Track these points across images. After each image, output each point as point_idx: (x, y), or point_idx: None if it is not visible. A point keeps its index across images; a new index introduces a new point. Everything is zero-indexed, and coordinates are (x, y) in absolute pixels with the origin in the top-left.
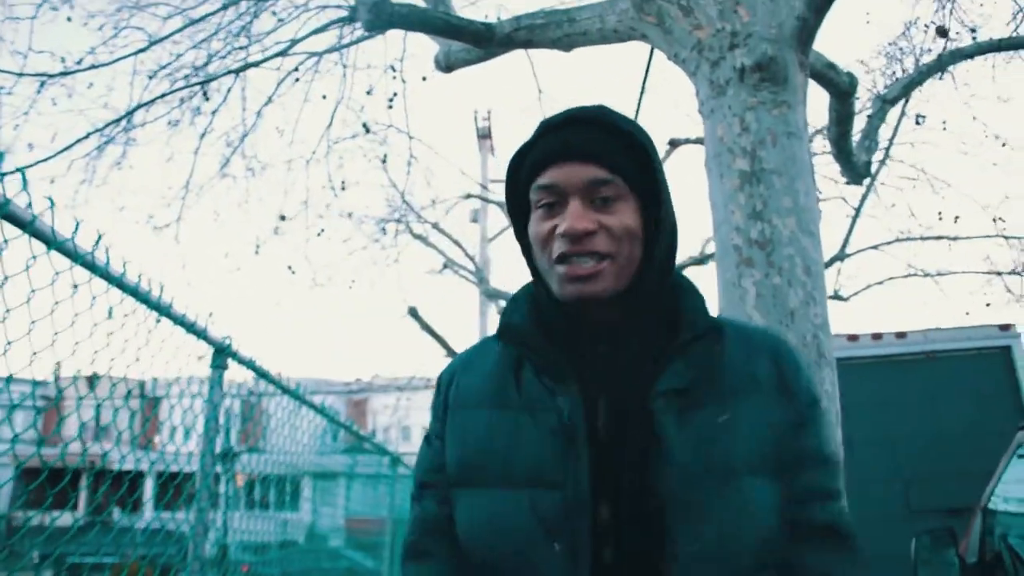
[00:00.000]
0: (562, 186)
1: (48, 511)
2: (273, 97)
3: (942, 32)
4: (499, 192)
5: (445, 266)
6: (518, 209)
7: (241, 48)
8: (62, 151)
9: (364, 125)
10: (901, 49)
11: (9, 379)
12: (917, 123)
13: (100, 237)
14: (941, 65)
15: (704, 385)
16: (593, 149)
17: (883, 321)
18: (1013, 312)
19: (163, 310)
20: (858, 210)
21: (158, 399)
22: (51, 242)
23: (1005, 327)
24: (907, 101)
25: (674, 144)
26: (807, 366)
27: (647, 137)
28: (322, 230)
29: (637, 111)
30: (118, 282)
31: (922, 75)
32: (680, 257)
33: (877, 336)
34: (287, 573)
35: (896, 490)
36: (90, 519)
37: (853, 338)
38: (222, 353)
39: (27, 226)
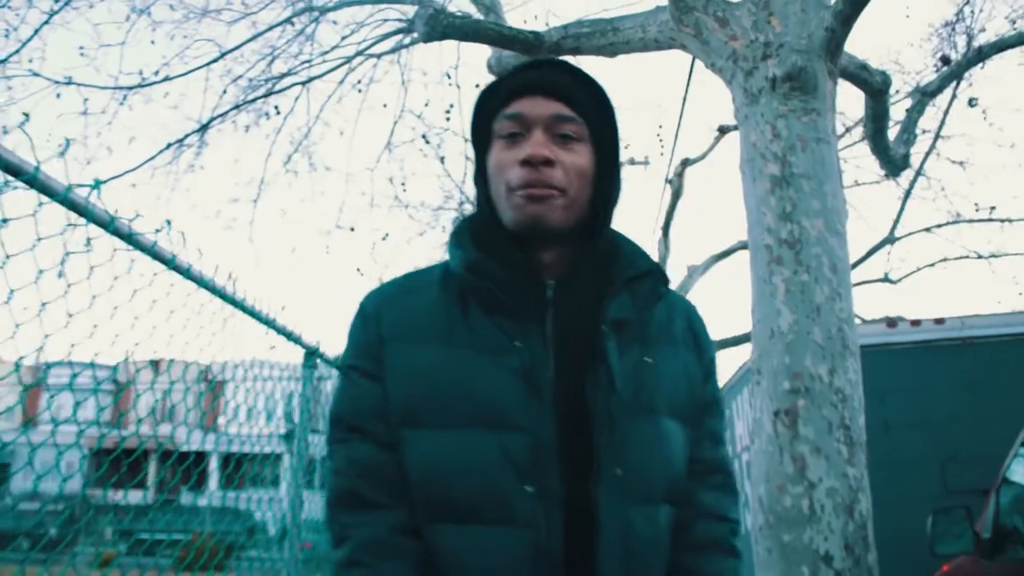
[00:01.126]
0: (528, 116)
1: (120, 489)
2: (336, 104)
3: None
4: None
5: None
6: (481, 142)
7: (306, 61)
8: (147, 161)
9: (424, 136)
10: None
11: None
12: (971, 105)
13: (218, 267)
14: (981, 56)
15: (638, 324)
16: (561, 87)
17: (936, 303)
18: None
19: (269, 323)
20: (907, 193)
21: (223, 382)
22: (168, 262)
23: None
24: (958, 84)
25: (723, 130)
26: (707, 327)
27: (608, 94)
28: (387, 235)
29: (680, 119)
30: (231, 300)
31: (960, 67)
32: (711, 251)
33: (916, 322)
34: None
35: (933, 471)
36: (158, 498)
37: (892, 324)
38: (313, 355)
39: (148, 249)
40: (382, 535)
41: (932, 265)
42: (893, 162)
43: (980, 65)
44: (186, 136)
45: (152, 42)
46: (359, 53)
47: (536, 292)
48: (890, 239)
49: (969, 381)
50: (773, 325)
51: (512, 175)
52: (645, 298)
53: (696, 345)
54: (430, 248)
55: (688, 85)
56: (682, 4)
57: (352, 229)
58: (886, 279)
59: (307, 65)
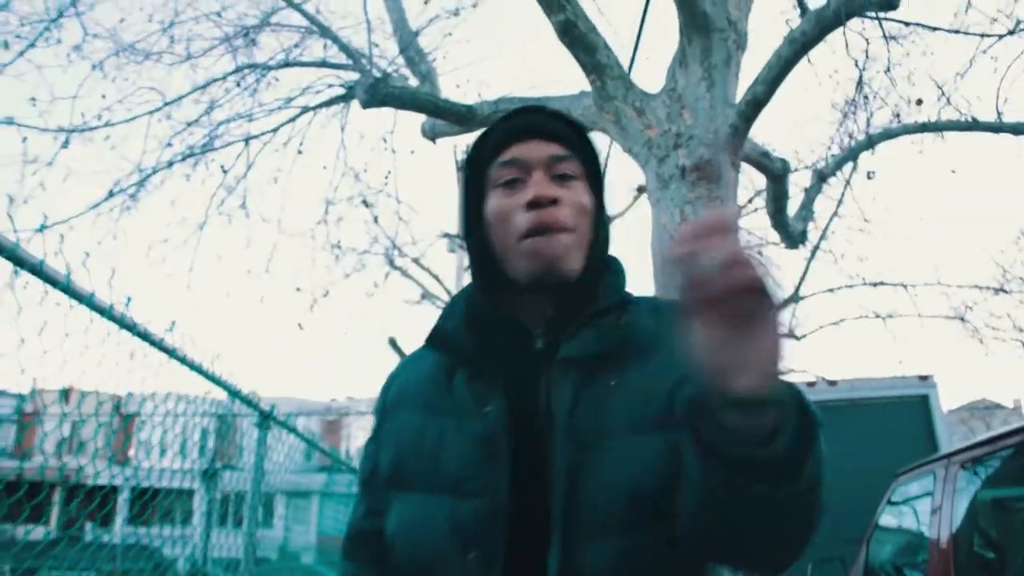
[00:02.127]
0: (526, 159)
1: (20, 524)
2: (272, 153)
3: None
4: None
5: (423, 297)
6: (473, 200)
7: (246, 115)
8: (92, 208)
9: (364, 202)
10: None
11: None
12: (868, 178)
13: (173, 324)
14: (871, 143)
15: (607, 355)
16: (553, 129)
17: (839, 360)
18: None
19: (218, 381)
20: (811, 257)
21: (132, 416)
22: (105, 312)
23: (924, 377)
24: (855, 164)
25: (641, 190)
26: None
27: (594, 138)
28: (327, 292)
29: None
30: (179, 357)
31: (853, 152)
32: None
33: (811, 384)
34: None
35: (826, 521)
36: (61, 534)
37: None
38: (267, 418)
39: (84, 300)
40: None
41: (835, 324)
42: (792, 237)
43: (871, 151)
44: (129, 186)
45: (103, 95)
46: (303, 111)
47: (525, 347)
48: (795, 298)
49: (858, 439)
50: None
51: (519, 220)
52: (607, 332)
53: (671, 349)
54: (357, 291)
55: (610, 148)
56: (604, 92)
57: (298, 289)
58: (791, 335)
59: (247, 119)
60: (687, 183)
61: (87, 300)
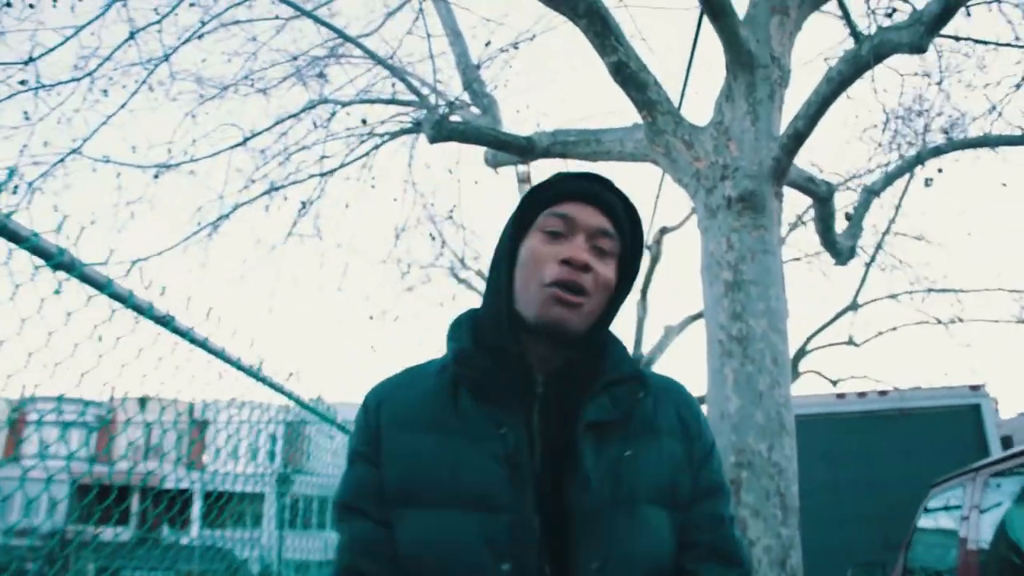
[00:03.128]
0: (576, 220)
1: (104, 526)
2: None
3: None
4: None
5: None
6: (516, 231)
7: (325, 156)
8: (183, 241)
9: (431, 235)
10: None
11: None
12: (926, 185)
13: (262, 362)
14: (920, 159)
15: (619, 423)
16: (610, 204)
17: (899, 366)
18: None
19: (325, 417)
20: (868, 265)
21: (205, 422)
22: (219, 353)
23: (975, 387)
24: (911, 177)
25: (664, 231)
26: (703, 414)
27: (641, 219)
28: (397, 317)
29: (659, 189)
30: (304, 405)
31: (902, 168)
32: (687, 312)
33: (862, 394)
34: None
35: (876, 528)
36: (142, 535)
37: (841, 396)
38: (343, 429)
39: (185, 335)
40: None
41: (894, 329)
42: (841, 254)
43: (921, 165)
44: (217, 219)
45: (194, 141)
46: (375, 148)
47: (526, 384)
48: (853, 306)
49: (908, 448)
50: (723, 408)
51: (549, 270)
52: (625, 401)
53: (685, 433)
54: (421, 302)
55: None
56: (655, 127)
57: (372, 318)
58: (850, 342)
59: (322, 158)
60: (733, 213)
61: (171, 325)
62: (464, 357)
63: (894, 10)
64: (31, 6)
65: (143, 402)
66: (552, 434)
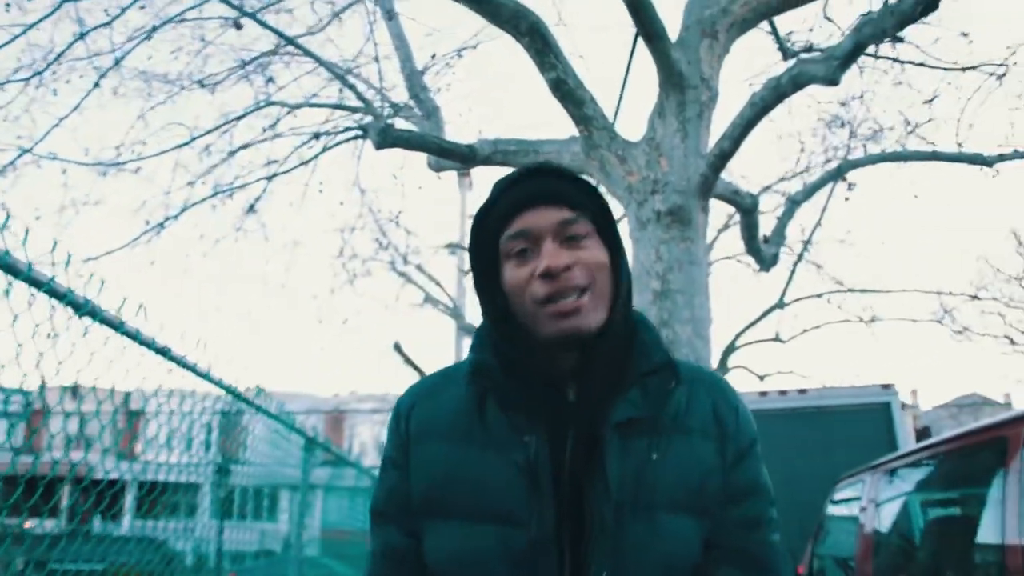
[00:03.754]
0: (533, 229)
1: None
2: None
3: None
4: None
5: (426, 300)
6: (484, 265)
7: (273, 161)
8: (132, 241)
9: (377, 240)
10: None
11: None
12: (849, 189)
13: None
14: (840, 171)
15: (649, 419)
16: (557, 192)
17: (825, 365)
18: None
19: (277, 418)
20: (794, 267)
21: (140, 412)
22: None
23: (886, 386)
24: (835, 185)
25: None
26: (745, 408)
27: (601, 192)
28: (346, 319)
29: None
30: (239, 396)
31: (823, 180)
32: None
33: (783, 392)
34: None
35: (795, 519)
36: (72, 527)
37: (763, 394)
38: (312, 444)
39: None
40: None
41: (818, 327)
42: (765, 261)
43: (842, 179)
44: (165, 220)
45: (144, 142)
46: (323, 150)
47: (555, 394)
48: (779, 304)
49: (826, 443)
50: None
51: (535, 290)
52: (656, 395)
53: (720, 432)
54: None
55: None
56: (591, 141)
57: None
58: (777, 339)
59: (271, 162)
60: (662, 225)
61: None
62: (482, 370)
63: (811, 46)
64: None
65: (74, 391)
66: (585, 434)
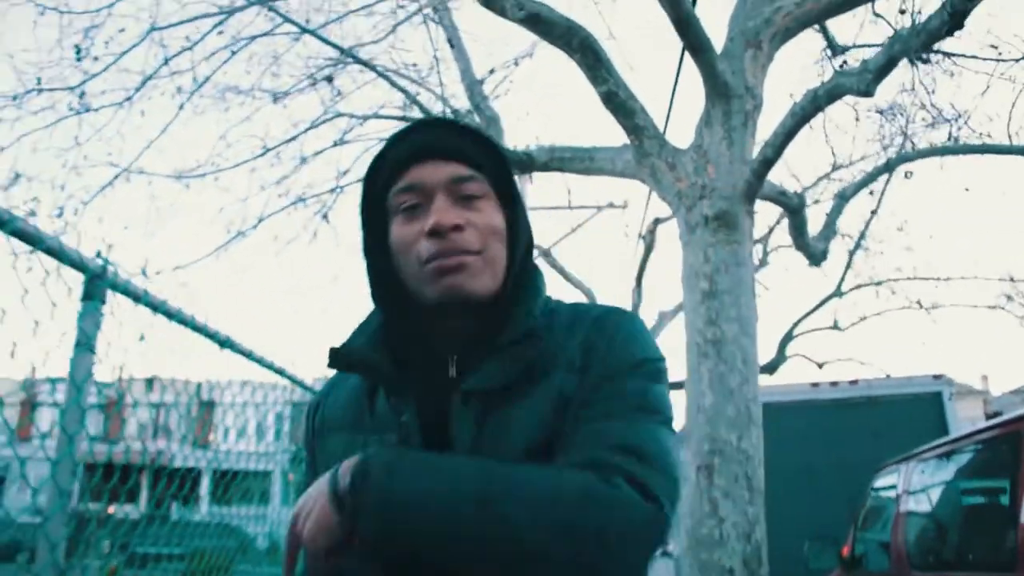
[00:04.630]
0: (425, 184)
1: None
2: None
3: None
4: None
5: None
6: (372, 223)
7: (344, 172)
8: (217, 249)
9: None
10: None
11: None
12: (906, 178)
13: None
14: (889, 167)
15: (513, 386)
16: (454, 146)
17: (881, 350)
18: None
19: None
20: (851, 255)
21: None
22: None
23: (937, 376)
24: (890, 176)
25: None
26: (637, 333)
27: (497, 144)
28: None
29: (646, 210)
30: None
31: (871, 176)
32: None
33: (834, 383)
34: None
35: (845, 506)
36: (151, 512)
37: (815, 385)
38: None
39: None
40: None
41: (878, 314)
42: (814, 256)
43: (890, 172)
44: (246, 230)
45: (220, 153)
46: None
47: (437, 370)
48: (837, 293)
49: (875, 432)
50: (699, 403)
51: (421, 248)
52: (515, 362)
53: (586, 360)
54: None
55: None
56: (642, 149)
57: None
58: (835, 327)
59: (344, 172)
60: (709, 229)
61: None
62: (337, 356)
63: (845, 62)
64: (77, 48)
65: (149, 383)
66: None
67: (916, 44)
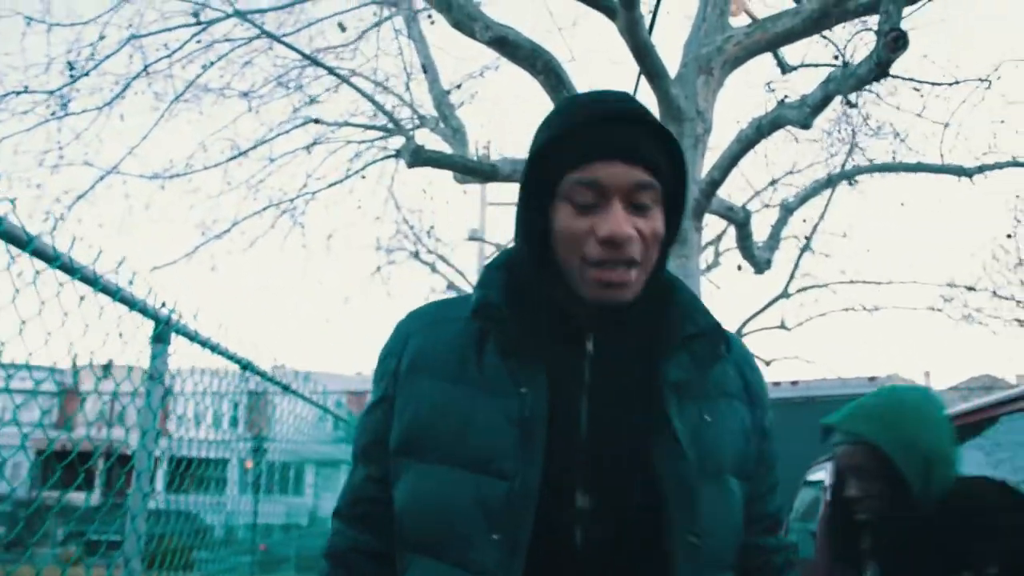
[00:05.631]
0: (605, 185)
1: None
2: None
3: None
4: (495, 221)
5: (448, 288)
6: (536, 186)
7: (314, 176)
8: (196, 249)
9: (415, 253)
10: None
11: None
12: (850, 184)
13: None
14: (831, 181)
15: (696, 383)
16: (639, 150)
17: (826, 349)
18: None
19: (298, 395)
20: (796, 262)
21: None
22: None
23: (872, 378)
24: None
25: None
26: (756, 367)
27: (681, 150)
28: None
29: None
30: (264, 375)
31: (816, 188)
32: None
33: (776, 384)
34: (300, 550)
35: (786, 498)
36: (105, 500)
37: None
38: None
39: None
40: (341, 549)
41: (822, 315)
42: (759, 265)
43: (830, 189)
44: (223, 231)
45: (191, 155)
46: (359, 171)
47: (573, 343)
48: (784, 294)
49: (811, 430)
50: None
51: (590, 248)
52: (704, 358)
53: (749, 398)
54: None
55: None
56: None
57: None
58: (782, 326)
59: (315, 178)
60: None
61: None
62: (486, 311)
63: (786, 97)
64: (70, 64)
65: (106, 369)
66: (613, 397)
67: (848, 86)
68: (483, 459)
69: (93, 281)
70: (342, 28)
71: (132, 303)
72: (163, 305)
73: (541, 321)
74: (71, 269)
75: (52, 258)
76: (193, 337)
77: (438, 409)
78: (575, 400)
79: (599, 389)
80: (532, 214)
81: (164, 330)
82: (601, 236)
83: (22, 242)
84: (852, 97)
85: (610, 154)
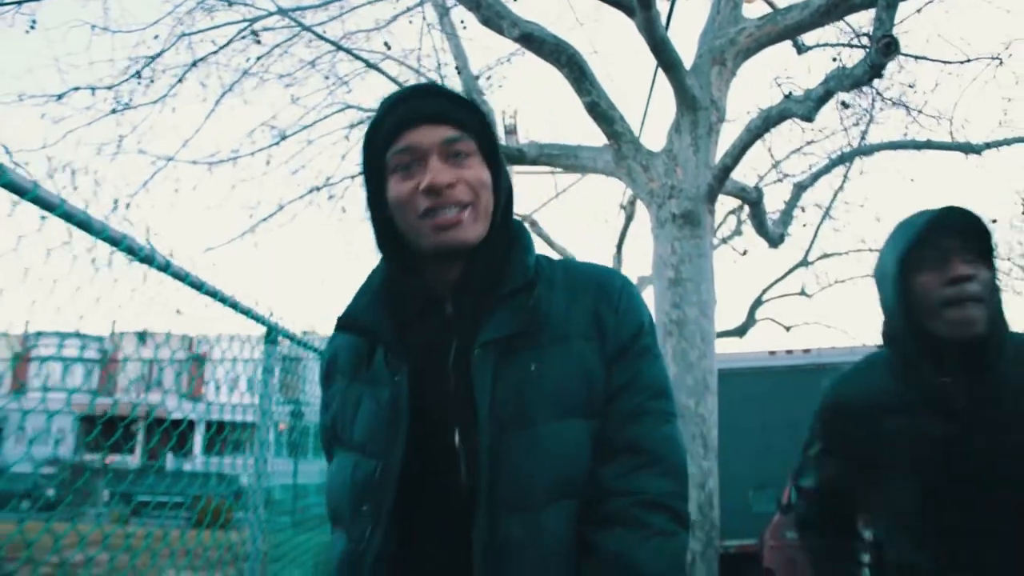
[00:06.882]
0: (420, 146)
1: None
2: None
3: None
4: (521, 202)
5: None
6: (373, 182)
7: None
8: (246, 232)
9: None
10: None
11: None
12: (864, 157)
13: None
14: (843, 159)
15: (523, 335)
16: (443, 111)
17: (847, 316)
18: None
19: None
20: (816, 230)
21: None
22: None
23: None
24: (850, 166)
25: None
26: (630, 303)
27: (482, 108)
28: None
29: None
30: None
31: (828, 167)
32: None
33: (789, 351)
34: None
35: (792, 460)
36: (148, 463)
37: (772, 353)
38: (273, 332)
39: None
40: None
41: (841, 282)
42: (772, 240)
43: (847, 164)
44: (270, 215)
45: (242, 145)
46: None
47: (436, 315)
48: (804, 262)
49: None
50: None
51: (418, 202)
52: (522, 311)
53: (600, 332)
54: None
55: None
56: (620, 153)
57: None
58: (803, 293)
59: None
60: (676, 225)
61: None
62: (345, 321)
63: (791, 92)
64: (138, 73)
65: (142, 337)
66: (465, 348)
67: (845, 85)
68: (364, 442)
69: (213, 293)
70: (388, 47)
71: (247, 312)
72: (271, 314)
73: (409, 306)
74: (198, 284)
75: (199, 286)
76: (292, 338)
77: (343, 403)
78: (444, 363)
79: (462, 350)
80: (378, 210)
81: (273, 334)
82: (423, 186)
83: (162, 266)
84: (847, 99)
85: (416, 121)
